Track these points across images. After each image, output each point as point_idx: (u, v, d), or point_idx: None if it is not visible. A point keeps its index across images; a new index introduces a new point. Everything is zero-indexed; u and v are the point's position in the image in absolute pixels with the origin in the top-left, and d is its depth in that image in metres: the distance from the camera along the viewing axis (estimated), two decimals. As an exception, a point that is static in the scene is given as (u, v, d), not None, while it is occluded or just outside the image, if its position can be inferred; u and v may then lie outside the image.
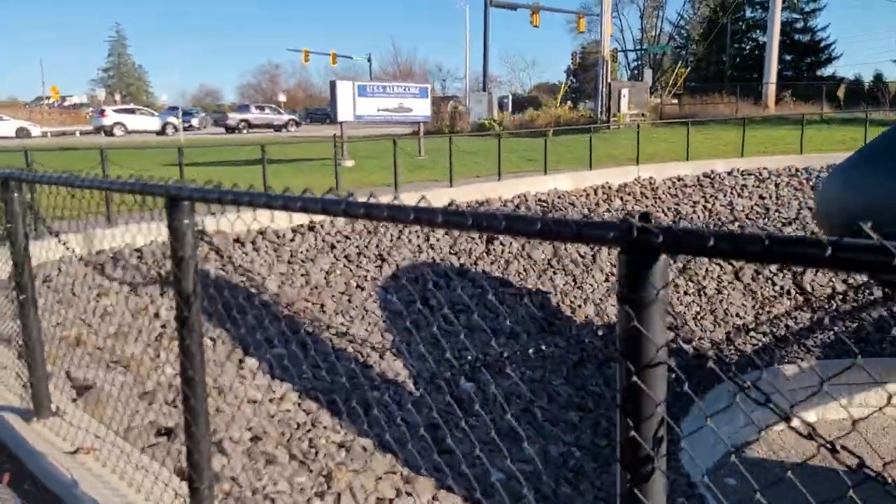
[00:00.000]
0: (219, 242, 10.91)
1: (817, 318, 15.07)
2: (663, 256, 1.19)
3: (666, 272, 1.21)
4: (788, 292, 15.70)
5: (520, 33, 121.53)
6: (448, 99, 45.68)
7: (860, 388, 13.53)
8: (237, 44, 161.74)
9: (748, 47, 54.94)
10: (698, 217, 17.47)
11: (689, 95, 42.12)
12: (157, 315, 8.44)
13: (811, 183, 18.83)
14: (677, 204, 17.89)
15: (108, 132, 37.05)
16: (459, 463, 7.91)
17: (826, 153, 20.57)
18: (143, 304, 8.53)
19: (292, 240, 12.02)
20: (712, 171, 19.31)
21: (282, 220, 11.96)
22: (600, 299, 14.06)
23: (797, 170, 19.59)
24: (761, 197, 18.49)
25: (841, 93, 40.49)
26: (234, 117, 43.39)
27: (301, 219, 12.25)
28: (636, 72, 60.62)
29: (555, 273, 14.15)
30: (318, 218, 12.32)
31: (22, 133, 36.50)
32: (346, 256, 12.13)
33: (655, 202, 17.76)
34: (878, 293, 15.64)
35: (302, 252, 11.81)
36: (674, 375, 1.35)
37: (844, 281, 15.89)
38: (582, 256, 14.82)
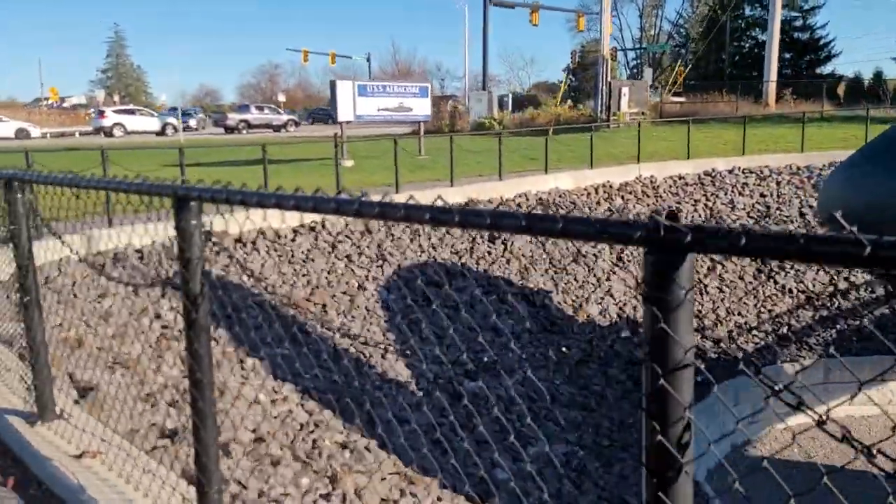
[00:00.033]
0: (215, 242, 10.90)
1: (819, 316, 15.04)
2: (690, 256, 1.17)
3: (693, 272, 1.18)
4: (790, 291, 15.68)
5: (518, 32, 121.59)
6: (447, 98, 45.61)
7: (854, 387, 13.50)
8: (237, 44, 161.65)
9: (747, 45, 54.96)
10: (699, 215, 17.44)
11: (689, 93, 42.11)
12: (158, 316, 8.41)
13: (812, 181, 18.81)
14: (678, 202, 17.85)
15: (108, 133, 36.99)
16: (463, 462, 7.89)
17: (827, 151, 20.55)
18: (144, 305, 8.50)
19: (293, 240, 11.98)
20: (713, 170, 19.28)
21: (282, 221, 11.93)
22: (601, 298, 14.04)
23: (798, 168, 19.57)
24: (762, 195, 18.46)
25: (841, 90, 40.49)
26: (233, 117, 43.29)
27: (301, 219, 12.22)
28: (635, 70, 60.57)
29: (555, 272, 14.12)
30: (318, 218, 12.28)
31: (21, 134, 36.44)
32: (346, 256, 12.11)
33: (657, 201, 17.73)
34: (879, 291, 15.62)
35: (302, 252, 11.78)
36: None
37: (846, 279, 15.87)
38: (584, 255, 14.80)
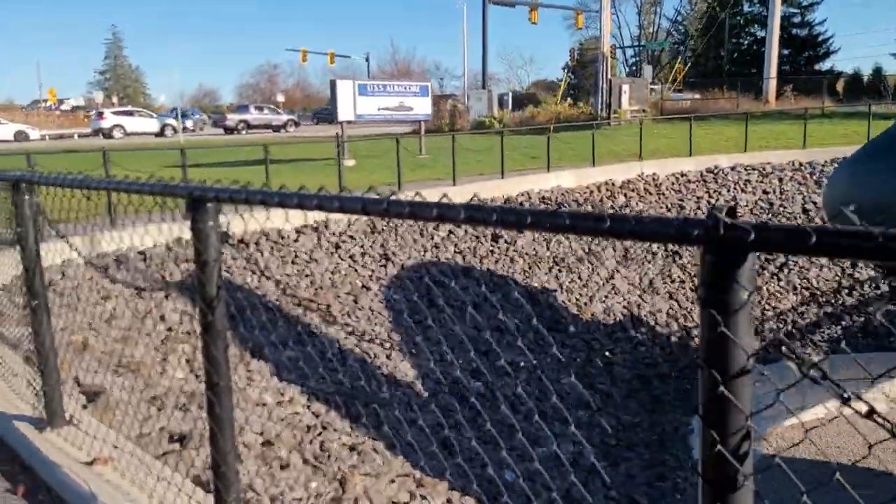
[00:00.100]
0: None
1: (824, 312, 15.00)
2: (752, 255, 1.10)
3: (754, 272, 1.12)
4: (795, 287, 15.63)
5: (517, 30, 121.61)
6: (446, 97, 45.55)
7: (867, 382, 13.46)
8: (236, 44, 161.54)
9: (746, 42, 54.88)
10: (703, 213, 17.38)
11: (689, 91, 42.04)
12: (162, 318, 8.35)
13: (815, 177, 18.76)
14: (681, 200, 17.81)
15: (107, 134, 36.91)
16: (470, 463, 7.83)
17: (829, 147, 20.50)
18: (149, 307, 8.44)
19: (296, 240, 11.92)
20: (715, 167, 19.22)
21: (284, 221, 11.86)
22: (605, 297, 13.98)
23: (800, 164, 19.51)
24: (765, 192, 18.42)
25: (840, 87, 40.42)
26: (232, 118, 43.17)
27: (304, 219, 12.16)
28: (634, 68, 60.52)
29: (560, 271, 14.07)
30: (321, 217, 12.22)
31: (20, 136, 36.36)
32: (350, 256, 12.04)
33: (659, 198, 17.68)
34: (884, 287, 15.57)
35: (306, 252, 11.72)
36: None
37: (850, 276, 15.82)
38: (586, 253, 14.75)
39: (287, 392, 7.71)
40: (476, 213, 1.43)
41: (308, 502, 4.81)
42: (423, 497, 6.11)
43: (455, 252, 13.32)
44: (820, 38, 52.73)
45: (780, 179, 18.88)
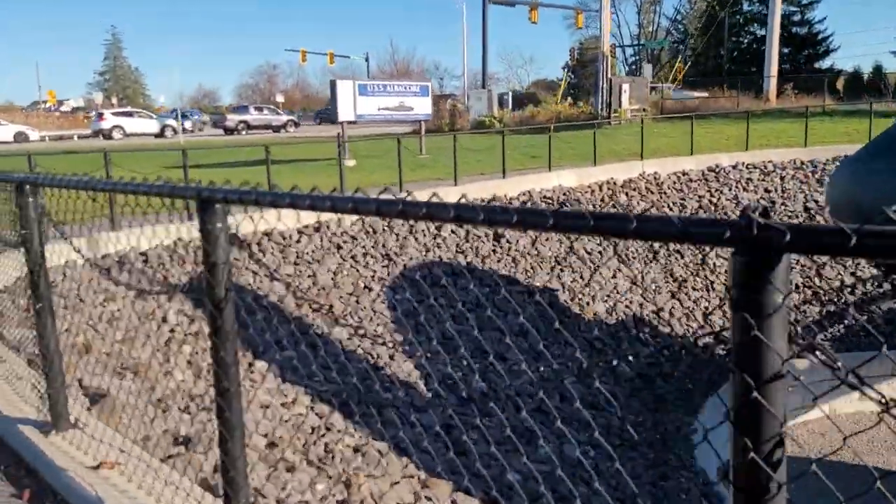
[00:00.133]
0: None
1: (826, 311, 14.97)
2: (786, 257, 1.07)
3: (789, 274, 1.09)
4: (797, 286, 15.60)
5: (517, 30, 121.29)
6: (446, 97, 45.54)
7: (872, 380, 13.44)
8: (235, 44, 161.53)
9: (746, 41, 54.84)
10: (704, 211, 17.36)
11: (689, 89, 42.00)
12: (164, 319, 8.32)
13: (817, 176, 18.73)
14: (683, 199, 17.78)
15: (107, 135, 36.88)
16: (475, 463, 7.80)
17: (830, 145, 20.48)
18: (151, 309, 8.41)
19: (298, 241, 11.89)
20: (717, 165, 19.19)
21: (289, 221, 11.83)
22: (608, 296, 13.95)
23: (802, 162, 19.48)
24: (766, 190, 18.39)
25: (840, 85, 40.40)
26: (232, 118, 43.11)
27: (307, 219, 12.13)
28: (633, 67, 60.52)
29: (562, 270, 14.04)
30: (324, 218, 12.19)
31: (20, 137, 36.33)
32: (352, 257, 12.01)
33: (661, 197, 17.65)
34: (886, 285, 15.55)
35: (308, 253, 11.69)
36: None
37: (853, 274, 15.79)
38: (589, 253, 14.71)
39: (290, 393, 7.68)
40: (493, 215, 1.39)
41: (314, 505, 4.79)
42: (428, 498, 6.08)
43: (456, 251, 13.29)
44: (819, 37, 52.70)
45: (782, 178, 18.86)
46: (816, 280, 15.58)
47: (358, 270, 11.73)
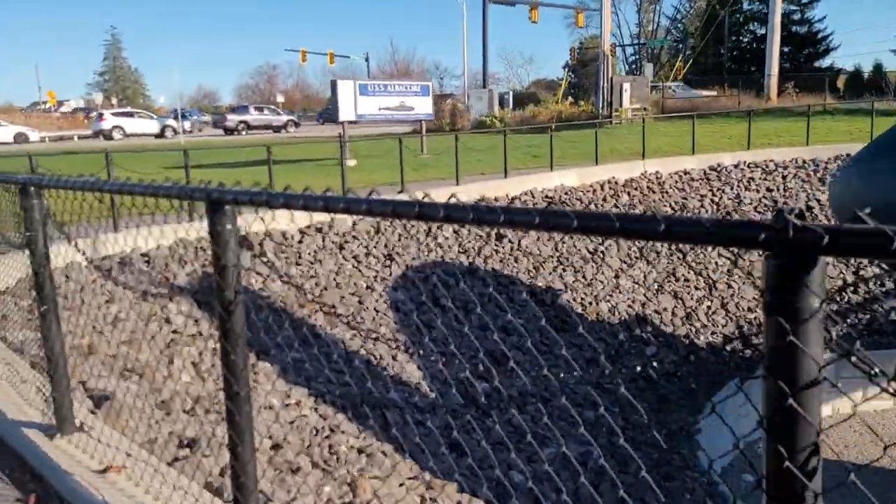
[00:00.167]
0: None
1: (830, 310, 14.94)
2: (822, 259, 1.04)
3: (825, 277, 1.06)
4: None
5: (516, 29, 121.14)
6: (446, 97, 45.47)
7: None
8: (235, 44, 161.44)
9: (746, 40, 54.80)
10: (706, 211, 17.33)
11: (691, 88, 41.97)
12: (167, 321, 8.29)
13: (819, 174, 18.70)
14: (685, 198, 17.75)
15: (107, 136, 36.84)
16: (479, 465, 7.77)
17: (832, 144, 20.45)
18: (153, 310, 8.38)
19: (300, 241, 11.86)
20: (719, 165, 19.15)
21: (288, 221, 11.80)
22: (610, 295, 13.93)
23: (804, 161, 19.45)
24: (769, 189, 18.36)
25: (841, 83, 40.35)
26: (232, 119, 43.05)
27: (308, 220, 12.09)
28: (633, 66, 60.49)
29: (564, 270, 14.01)
30: (326, 218, 12.16)
31: (20, 138, 36.31)
32: (354, 257, 11.98)
33: (663, 196, 17.62)
34: (889, 284, 15.52)
35: (310, 253, 11.66)
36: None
37: (855, 273, 15.77)
38: (591, 252, 14.68)
39: (293, 394, 7.65)
40: (516, 217, 1.36)
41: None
42: (433, 500, 6.05)
43: (459, 251, 13.26)
44: (819, 35, 52.64)
45: (784, 177, 18.83)
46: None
47: (360, 271, 11.70)
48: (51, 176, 2.92)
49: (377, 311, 10.89)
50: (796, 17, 52.19)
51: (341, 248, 12.04)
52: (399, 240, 12.78)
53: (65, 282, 8.30)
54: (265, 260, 10.76)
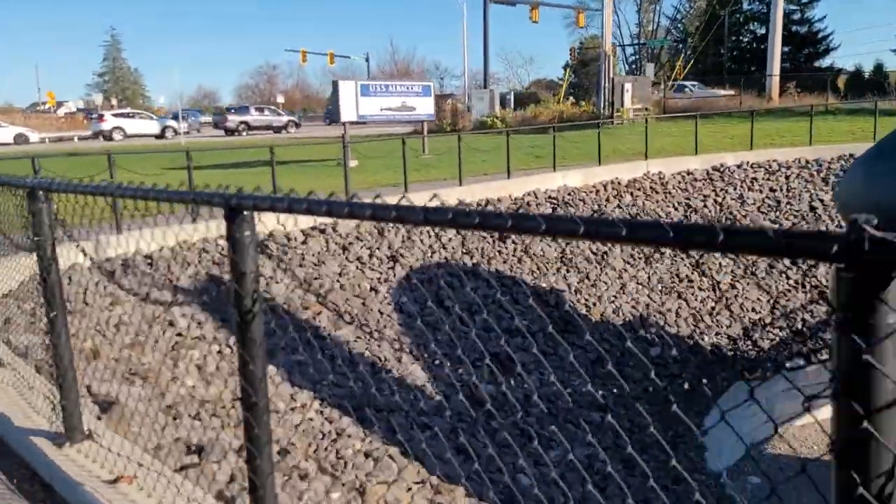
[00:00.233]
0: (224, 247, 10.68)
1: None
2: (898, 274, 0.98)
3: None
4: (803, 286, 15.51)
5: (516, 29, 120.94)
6: (446, 97, 45.42)
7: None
8: (235, 44, 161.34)
9: (746, 40, 54.78)
10: (709, 211, 17.27)
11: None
12: (171, 324, 8.23)
13: (822, 175, 18.64)
14: (688, 198, 17.69)
15: (107, 137, 36.77)
16: (486, 468, 7.72)
17: (835, 144, 20.39)
18: (157, 313, 8.31)
19: (303, 242, 11.79)
20: (722, 165, 19.09)
21: (292, 223, 11.73)
22: (614, 297, 13.87)
23: (807, 161, 19.38)
24: (772, 190, 18.30)
25: (841, 83, 40.30)
26: (233, 119, 42.97)
27: (312, 221, 12.03)
28: (633, 66, 60.44)
29: (568, 271, 13.95)
30: (329, 219, 12.09)
31: (20, 139, 36.25)
32: (357, 258, 11.92)
33: (666, 196, 17.56)
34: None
35: (313, 255, 11.59)
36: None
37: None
38: (594, 253, 14.62)
39: (298, 397, 7.59)
40: (556, 224, 1.30)
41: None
42: (442, 505, 5.99)
43: (463, 253, 13.20)
44: (820, 35, 52.61)
45: (787, 177, 18.77)
46: (823, 280, 15.49)
47: (363, 272, 11.64)
48: (60, 180, 2.85)
49: (381, 313, 10.82)
50: (796, 16, 52.16)
51: (345, 249, 11.98)
52: (402, 241, 12.71)
53: (68, 284, 8.24)
54: (277, 258, 10.70)
